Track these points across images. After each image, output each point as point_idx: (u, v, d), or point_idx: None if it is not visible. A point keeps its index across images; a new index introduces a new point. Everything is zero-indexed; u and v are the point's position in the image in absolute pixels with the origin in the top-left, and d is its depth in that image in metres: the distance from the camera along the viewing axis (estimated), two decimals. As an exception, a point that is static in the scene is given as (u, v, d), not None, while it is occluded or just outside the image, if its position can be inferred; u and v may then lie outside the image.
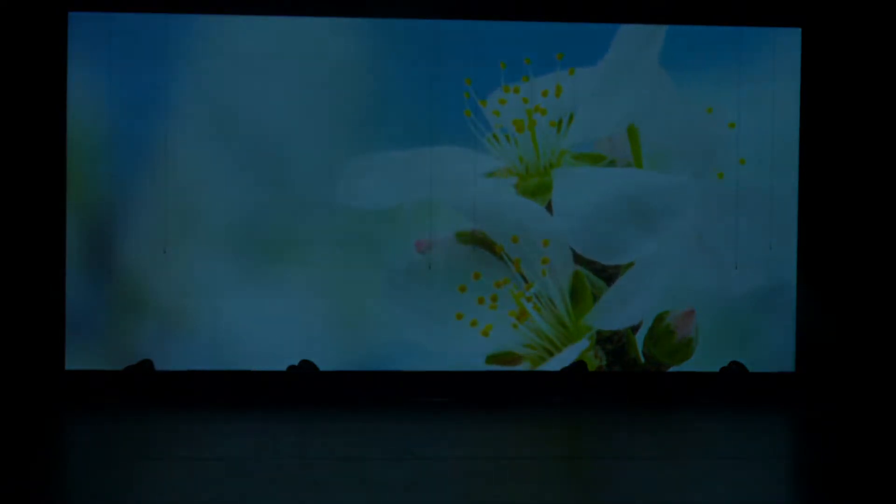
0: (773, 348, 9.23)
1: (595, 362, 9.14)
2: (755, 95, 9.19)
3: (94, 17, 8.86)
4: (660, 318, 9.18)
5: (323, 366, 9.01)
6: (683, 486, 6.49)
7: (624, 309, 9.11)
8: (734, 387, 9.15)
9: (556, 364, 9.08)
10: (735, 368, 9.17)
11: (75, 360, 8.86)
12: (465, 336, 9.04)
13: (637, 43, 9.13)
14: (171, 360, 8.89)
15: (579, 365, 9.09)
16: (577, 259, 9.10)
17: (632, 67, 9.12)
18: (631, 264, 9.10)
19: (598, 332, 9.13)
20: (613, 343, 9.18)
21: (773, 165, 9.22)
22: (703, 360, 9.21)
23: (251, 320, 8.91)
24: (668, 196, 9.11)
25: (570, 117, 9.11)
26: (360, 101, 9.00)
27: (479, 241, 9.09)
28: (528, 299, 9.06)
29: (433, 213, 9.02)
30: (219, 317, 8.91)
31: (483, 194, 9.06)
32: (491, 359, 9.08)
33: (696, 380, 9.19)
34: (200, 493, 6.19)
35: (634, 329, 9.18)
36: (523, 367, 9.09)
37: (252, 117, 8.92)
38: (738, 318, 9.20)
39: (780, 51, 9.23)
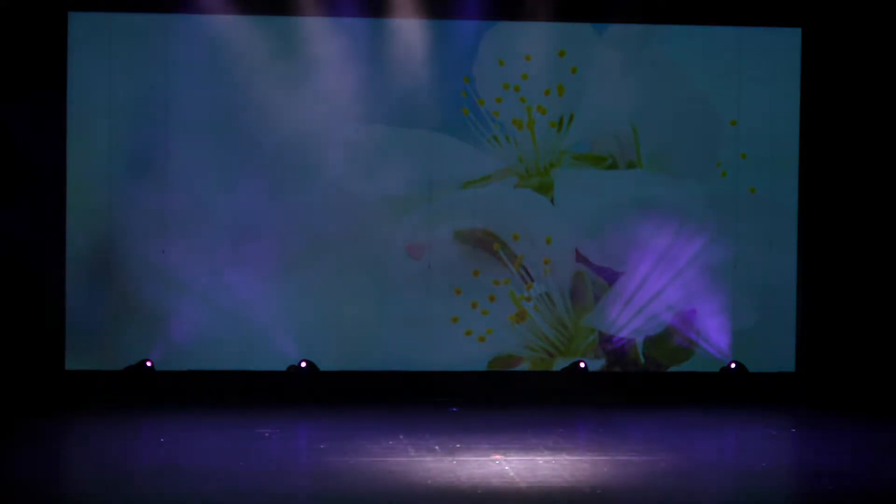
0: (773, 348, 9.23)
1: (595, 362, 9.15)
2: (755, 95, 9.19)
3: (94, 17, 8.86)
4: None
5: (323, 366, 9.01)
6: (682, 486, 6.49)
7: (625, 311, 9.12)
8: (734, 387, 9.15)
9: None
10: (735, 368, 9.17)
11: (75, 361, 8.86)
12: (464, 337, 9.05)
13: (637, 42, 9.13)
14: (172, 360, 8.90)
15: (579, 365, 9.10)
16: (579, 258, 9.11)
17: (632, 67, 9.12)
18: (622, 272, 9.13)
19: (599, 333, 9.15)
20: (613, 343, 9.18)
21: (773, 165, 9.22)
22: (703, 361, 9.21)
23: (251, 321, 8.91)
24: (669, 196, 9.12)
25: (571, 117, 9.11)
26: (360, 100, 8.99)
27: (479, 241, 9.09)
28: (528, 300, 9.07)
29: (433, 212, 9.02)
30: (218, 317, 8.91)
31: (483, 193, 9.06)
32: (493, 361, 9.09)
33: (696, 380, 9.19)
34: (200, 493, 6.19)
35: (634, 329, 9.23)
36: (523, 367, 9.11)
37: (251, 117, 8.91)
38: (738, 318, 9.20)
39: (780, 51, 9.23)
